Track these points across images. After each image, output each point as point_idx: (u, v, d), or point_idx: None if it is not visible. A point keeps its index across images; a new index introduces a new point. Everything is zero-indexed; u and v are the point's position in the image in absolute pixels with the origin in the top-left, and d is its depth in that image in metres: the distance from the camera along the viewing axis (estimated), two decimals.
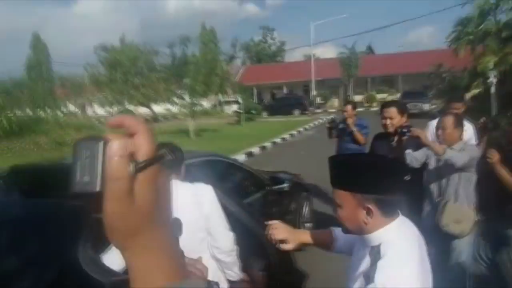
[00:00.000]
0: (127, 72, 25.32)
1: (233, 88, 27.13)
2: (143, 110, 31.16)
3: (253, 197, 3.55)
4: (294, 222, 4.38)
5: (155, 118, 30.94)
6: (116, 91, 27.19)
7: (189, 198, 1.85)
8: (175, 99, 20.32)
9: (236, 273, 2.01)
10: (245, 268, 2.42)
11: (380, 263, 1.19)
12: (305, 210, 4.98)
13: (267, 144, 14.84)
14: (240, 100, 28.89)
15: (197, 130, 18.46)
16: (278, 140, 16.15)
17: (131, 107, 30.33)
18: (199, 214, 1.86)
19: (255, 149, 13.54)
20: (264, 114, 30.06)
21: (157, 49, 22.60)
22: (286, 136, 17.43)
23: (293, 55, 46.11)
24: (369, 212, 1.25)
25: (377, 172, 1.26)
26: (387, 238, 1.25)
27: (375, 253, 1.25)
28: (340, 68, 33.70)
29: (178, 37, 20.24)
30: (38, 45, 26.64)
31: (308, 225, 4.89)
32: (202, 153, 3.33)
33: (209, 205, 1.89)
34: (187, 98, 19.64)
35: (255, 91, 38.42)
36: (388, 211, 1.26)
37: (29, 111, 23.06)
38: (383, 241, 1.25)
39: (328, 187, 1.37)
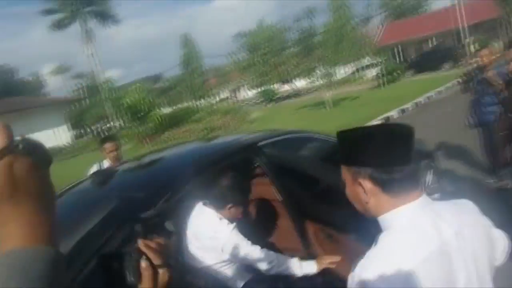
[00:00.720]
0: (264, 53, 26.45)
1: (372, 50, 25.81)
2: (284, 87, 32.23)
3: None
4: None
5: (296, 93, 31.70)
6: (258, 73, 28.71)
7: (208, 232, 2.24)
8: (310, 72, 20.40)
9: (268, 268, 2.23)
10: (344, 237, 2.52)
11: (368, 253, 1.05)
12: (429, 179, 4.62)
13: (408, 106, 13.86)
14: (380, 62, 27.30)
15: (336, 99, 18.24)
16: (420, 100, 14.87)
17: (273, 86, 31.73)
18: (215, 244, 2.22)
19: (393, 113, 12.86)
20: (409, 73, 27.80)
21: (288, 26, 22.94)
22: (431, 94, 15.86)
23: (439, 2, 41.02)
24: (365, 189, 1.08)
25: (372, 142, 1.09)
26: (392, 226, 1.05)
27: (375, 242, 1.07)
28: (498, 5, 28.50)
29: (305, 9, 20.17)
30: (188, 44, 29.80)
31: (436, 195, 4.54)
32: (282, 132, 3.34)
33: (225, 242, 2.18)
34: (321, 69, 19.52)
35: (398, 49, 35.71)
36: (393, 189, 1.05)
37: (185, 103, 26.23)
38: (386, 228, 1.07)
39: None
